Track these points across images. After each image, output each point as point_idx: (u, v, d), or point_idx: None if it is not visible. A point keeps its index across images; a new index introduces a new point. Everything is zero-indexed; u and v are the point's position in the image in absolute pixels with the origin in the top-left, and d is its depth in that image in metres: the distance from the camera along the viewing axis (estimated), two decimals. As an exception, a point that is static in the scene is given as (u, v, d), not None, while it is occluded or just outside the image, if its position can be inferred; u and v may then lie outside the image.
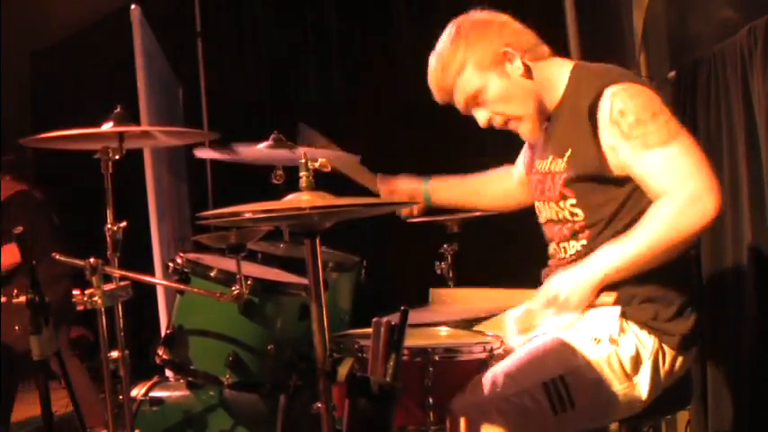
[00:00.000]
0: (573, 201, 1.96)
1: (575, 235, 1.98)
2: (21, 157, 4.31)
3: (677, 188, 1.78)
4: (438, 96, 2.05)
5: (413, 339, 1.99)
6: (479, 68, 1.97)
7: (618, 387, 1.83)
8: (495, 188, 2.43)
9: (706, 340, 2.68)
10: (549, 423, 1.79)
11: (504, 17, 2.03)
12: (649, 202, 1.84)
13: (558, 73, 1.99)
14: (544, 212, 2.06)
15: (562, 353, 1.84)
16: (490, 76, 1.97)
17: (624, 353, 1.83)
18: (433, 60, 2.04)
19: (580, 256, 1.95)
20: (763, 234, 2.40)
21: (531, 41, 2.00)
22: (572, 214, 1.97)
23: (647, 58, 3.17)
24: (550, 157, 2.00)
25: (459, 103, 2.03)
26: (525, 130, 2.02)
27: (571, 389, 1.79)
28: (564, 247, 2.01)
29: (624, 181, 1.88)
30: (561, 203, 1.99)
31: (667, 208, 1.78)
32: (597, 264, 1.84)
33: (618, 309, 1.85)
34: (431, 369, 1.83)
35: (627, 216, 1.89)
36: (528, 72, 1.97)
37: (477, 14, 2.03)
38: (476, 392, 1.79)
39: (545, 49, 2.02)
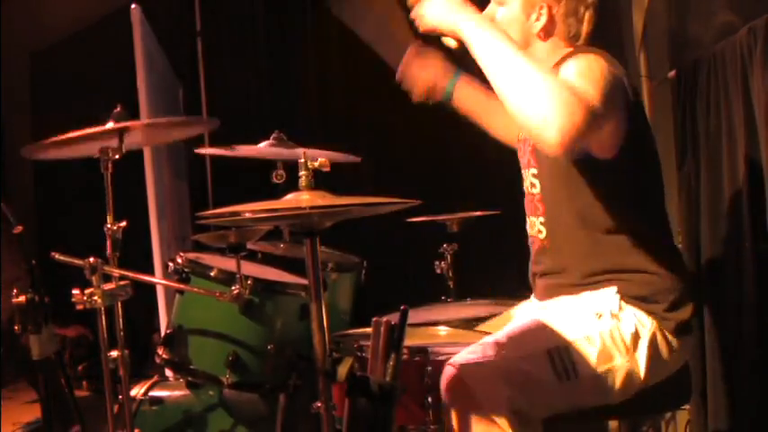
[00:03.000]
0: (535, 170, 2.00)
1: (536, 210, 2.01)
2: None
3: (572, 85, 1.66)
4: None
5: (412, 339, 1.99)
6: None
7: (619, 361, 1.83)
8: (509, 119, 2.32)
9: (705, 339, 2.69)
10: (553, 390, 1.79)
11: None
12: (625, 189, 1.86)
13: (554, 57, 1.99)
14: (524, 182, 2.10)
15: (565, 325, 1.85)
16: (520, 4, 1.98)
17: (624, 328, 1.85)
18: None
19: (542, 235, 1.98)
20: (762, 234, 2.39)
21: (576, 31, 1.99)
22: (532, 185, 2.01)
23: (647, 58, 3.17)
24: None
25: None
26: None
27: (575, 358, 1.80)
28: (532, 222, 2.04)
29: (594, 162, 1.85)
30: (527, 171, 2.03)
31: (552, 81, 1.63)
32: (471, 12, 1.75)
33: (615, 288, 1.88)
34: (430, 368, 1.84)
35: (591, 196, 1.88)
36: (542, 36, 1.98)
37: None
38: (479, 353, 1.79)
39: (576, 37, 2.01)
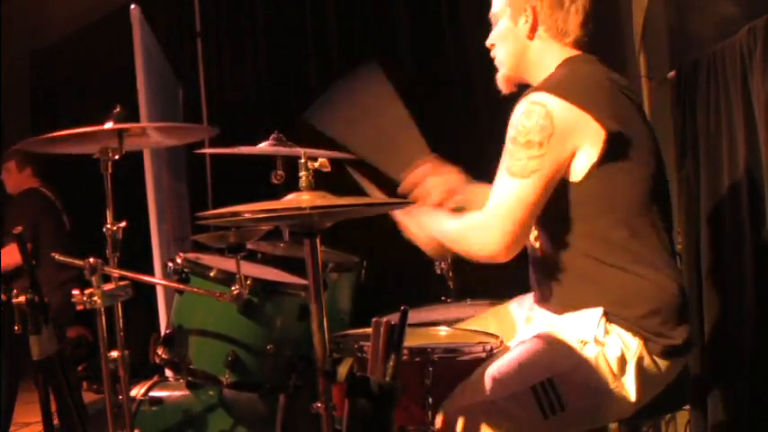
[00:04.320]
0: None
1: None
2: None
3: (486, 213, 1.87)
4: None
5: (412, 339, 1.99)
6: (510, 2, 2.01)
7: (607, 388, 1.81)
8: None
9: (705, 340, 2.69)
10: (539, 427, 1.79)
11: None
12: (598, 203, 1.85)
13: (555, 57, 1.98)
14: None
15: (549, 356, 1.83)
16: (508, 14, 2.01)
17: (610, 353, 1.82)
18: None
19: (535, 251, 1.99)
20: (762, 234, 2.39)
21: (564, 25, 1.97)
22: None
23: (647, 57, 3.17)
24: None
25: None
26: (499, 73, 2.08)
27: (560, 391, 1.78)
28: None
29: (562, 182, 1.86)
30: None
31: (466, 222, 1.93)
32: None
33: (600, 310, 1.84)
34: (430, 369, 1.83)
35: (575, 213, 1.86)
36: (530, 36, 1.98)
37: None
38: (464, 396, 1.80)
39: (572, 38, 1.98)
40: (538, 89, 1.88)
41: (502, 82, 2.08)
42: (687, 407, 2.78)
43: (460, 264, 2.93)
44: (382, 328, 1.61)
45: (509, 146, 1.86)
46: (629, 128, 1.86)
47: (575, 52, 1.99)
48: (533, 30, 1.98)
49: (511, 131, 1.86)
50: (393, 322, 1.61)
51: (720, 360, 2.65)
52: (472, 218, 1.92)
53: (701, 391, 2.71)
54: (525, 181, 1.82)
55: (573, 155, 1.83)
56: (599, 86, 1.90)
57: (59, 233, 4.16)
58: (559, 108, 1.82)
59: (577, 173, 1.84)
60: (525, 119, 1.83)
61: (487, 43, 2.10)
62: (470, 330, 2.12)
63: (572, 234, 1.88)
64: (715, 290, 2.68)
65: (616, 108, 1.87)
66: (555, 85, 1.87)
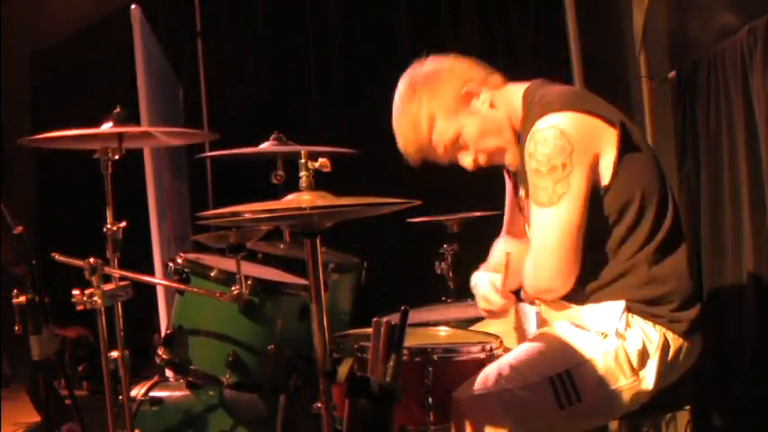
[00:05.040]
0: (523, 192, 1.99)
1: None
2: None
3: (533, 253, 1.88)
4: (414, 157, 2.02)
5: (413, 339, 1.99)
6: (449, 114, 1.97)
7: (624, 382, 1.83)
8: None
9: (706, 340, 2.69)
10: (555, 418, 1.80)
11: (449, 59, 2.02)
12: (624, 198, 1.86)
13: (516, 96, 1.98)
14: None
15: (568, 347, 1.84)
16: (461, 118, 1.98)
17: (631, 347, 1.83)
18: (399, 124, 2.02)
19: None
20: (763, 234, 2.40)
21: (483, 73, 2.01)
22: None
23: (647, 58, 3.18)
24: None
25: (439, 153, 2.02)
26: (510, 159, 2.02)
27: (577, 383, 1.80)
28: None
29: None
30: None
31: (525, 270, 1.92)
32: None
33: (623, 303, 1.85)
34: (430, 369, 1.84)
35: (607, 213, 1.87)
36: (492, 105, 1.98)
37: (424, 66, 2.04)
38: (479, 385, 1.80)
39: (498, 77, 2.02)
40: (540, 115, 1.86)
41: (516, 159, 2.00)
42: (687, 407, 2.78)
43: (460, 264, 2.95)
44: (382, 328, 1.62)
45: (533, 178, 1.85)
46: (626, 120, 1.89)
47: (512, 83, 2.01)
48: (491, 100, 1.98)
49: (531, 163, 1.84)
50: (393, 322, 1.61)
51: (721, 360, 2.65)
52: (527, 263, 1.91)
53: (701, 391, 2.71)
54: (557, 208, 1.81)
55: (597, 161, 1.83)
56: (582, 93, 1.93)
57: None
58: (569, 122, 1.82)
59: (605, 176, 1.85)
60: (542, 147, 1.82)
61: (470, 166, 2.04)
62: (470, 330, 2.12)
63: (601, 233, 1.88)
64: (715, 289, 2.68)
65: (607, 105, 1.90)
66: (551, 104, 1.86)
